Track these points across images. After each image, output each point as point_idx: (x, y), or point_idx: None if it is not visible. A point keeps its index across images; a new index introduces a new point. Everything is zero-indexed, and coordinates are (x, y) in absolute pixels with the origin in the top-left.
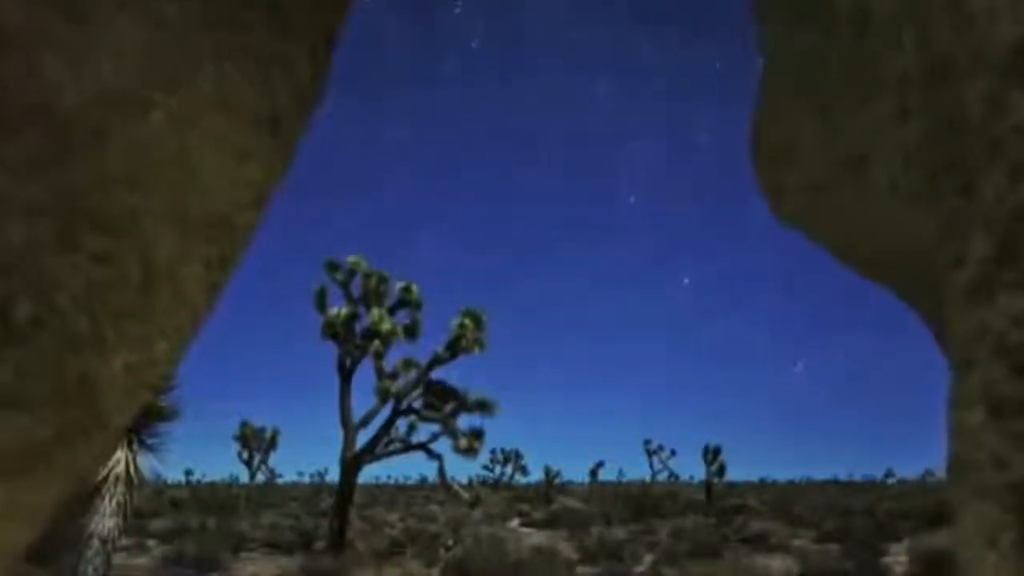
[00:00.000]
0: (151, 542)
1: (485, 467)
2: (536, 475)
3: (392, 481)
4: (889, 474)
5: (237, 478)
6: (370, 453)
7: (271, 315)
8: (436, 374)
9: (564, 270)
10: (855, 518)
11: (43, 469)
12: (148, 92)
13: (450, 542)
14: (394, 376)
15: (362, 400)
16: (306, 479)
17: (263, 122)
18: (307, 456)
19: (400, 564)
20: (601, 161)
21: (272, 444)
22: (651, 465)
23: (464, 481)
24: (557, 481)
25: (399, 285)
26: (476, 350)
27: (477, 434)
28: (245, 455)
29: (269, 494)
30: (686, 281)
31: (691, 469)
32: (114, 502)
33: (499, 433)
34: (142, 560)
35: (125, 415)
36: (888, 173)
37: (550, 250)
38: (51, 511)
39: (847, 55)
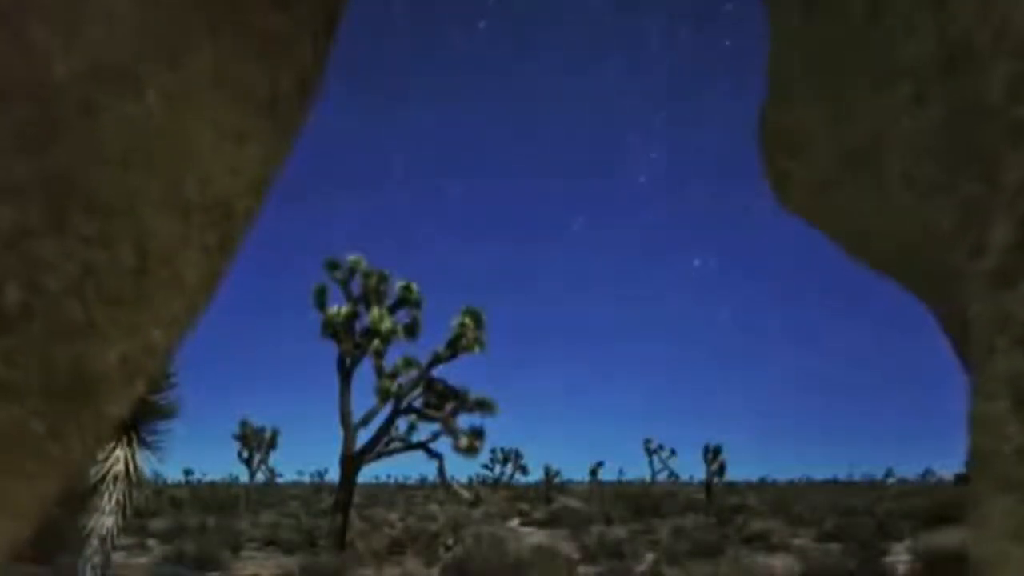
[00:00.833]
0: (151, 541)
1: (485, 466)
2: (536, 475)
3: (392, 480)
4: (889, 474)
5: (237, 477)
6: (370, 452)
7: (271, 314)
8: (436, 373)
9: (564, 269)
10: (855, 518)
11: (36, 462)
12: (142, 68)
13: (450, 542)
14: (394, 375)
15: (362, 399)
16: (306, 478)
17: (262, 104)
18: (307, 455)
19: (400, 563)
20: (601, 161)
21: (272, 443)
22: (651, 465)
23: (464, 481)
24: (557, 481)
25: (399, 284)
26: (476, 349)
27: (477, 433)
28: (245, 454)
29: (269, 494)
30: (696, 263)
31: (691, 469)
32: (113, 500)
33: (499, 432)
34: (142, 559)
35: (120, 407)
36: (902, 161)
37: (550, 249)
38: (45, 506)
39: (858, 42)
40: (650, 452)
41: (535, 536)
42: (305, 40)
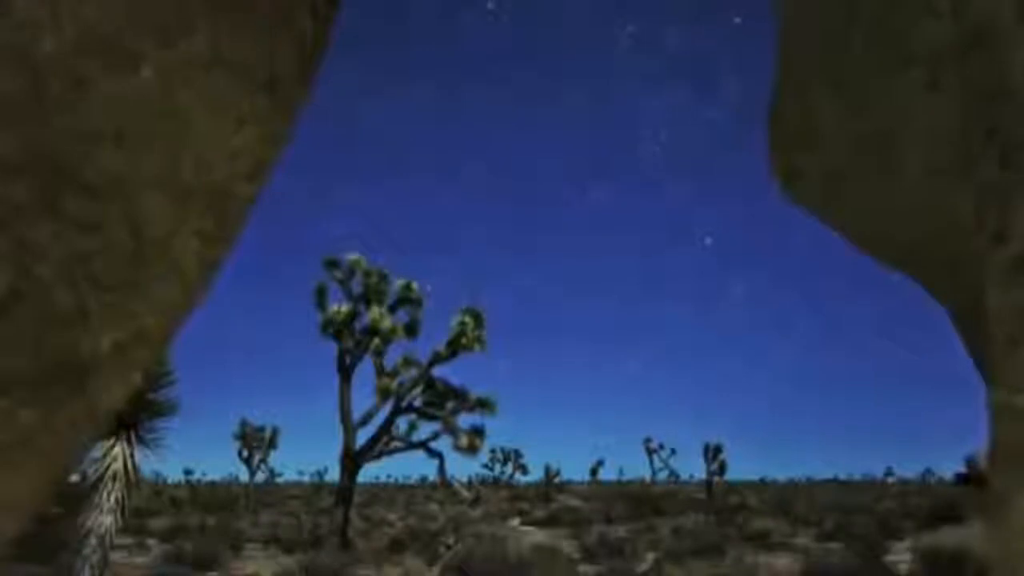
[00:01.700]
0: (151, 541)
1: (485, 466)
2: (536, 474)
3: (392, 480)
4: (889, 473)
5: (237, 477)
6: (370, 452)
7: (271, 313)
8: (436, 372)
9: (565, 269)
10: (856, 517)
11: (25, 455)
12: (136, 43)
13: (450, 541)
14: (394, 374)
15: (362, 398)
16: (306, 478)
17: (261, 83)
18: (307, 455)
19: (400, 563)
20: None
21: (272, 443)
22: (651, 464)
23: (464, 480)
24: (557, 480)
25: (399, 283)
26: (476, 348)
27: (478, 432)
28: (245, 454)
29: (269, 493)
30: (708, 240)
31: (691, 468)
32: (111, 499)
33: (499, 432)
34: (142, 559)
35: (115, 398)
36: (917, 148)
37: (550, 249)
38: (38, 501)
39: (872, 26)
40: (650, 451)
41: (535, 535)
42: (304, 14)
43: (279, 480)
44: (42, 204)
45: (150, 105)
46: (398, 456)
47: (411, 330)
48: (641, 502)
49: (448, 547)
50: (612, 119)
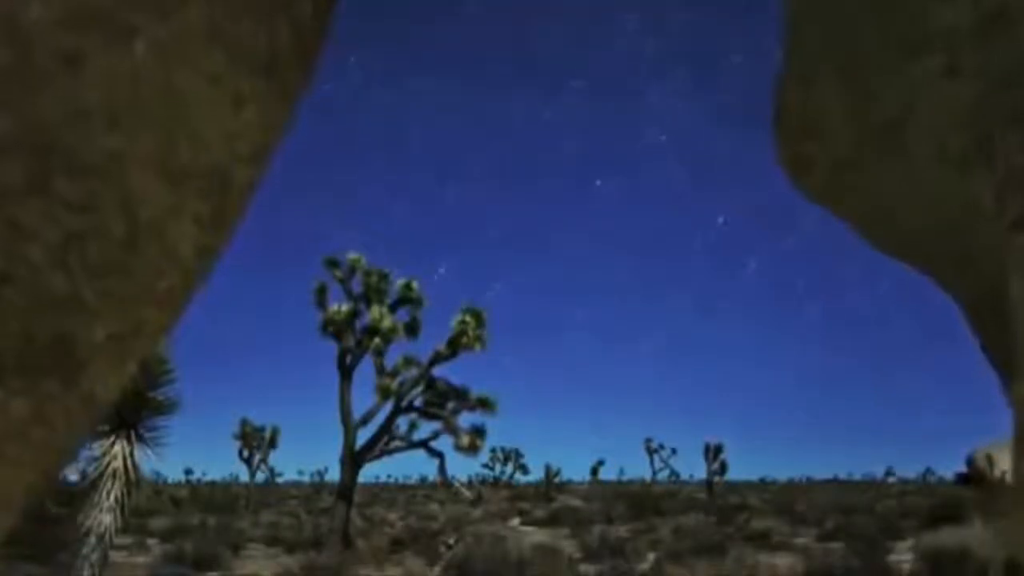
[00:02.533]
0: (151, 541)
1: (485, 466)
2: (536, 474)
3: (392, 480)
4: (889, 473)
5: (237, 477)
6: (371, 451)
7: (271, 313)
8: (437, 372)
9: (565, 268)
10: (857, 517)
11: (18, 447)
12: (130, 16)
13: (451, 541)
14: (395, 374)
15: (363, 398)
16: (306, 478)
17: (260, 64)
18: (307, 455)
19: (401, 563)
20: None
21: (272, 443)
22: (652, 464)
23: (465, 480)
24: (557, 480)
25: (400, 282)
26: (477, 347)
27: (479, 432)
28: (245, 454)
29: (269, 493)
30: (721, 220)
31: (691, 468)
32: (111, 498)
33: (499, 431)
34: (142, 559)
35: (110, 389)
36: (931, 136)
37: (550, 248)
38: (31, 496)
39: (885, 10)
40: (651, 451)
41: (536, 535)
42: None
43: (279, 480)
44: (32, 184)
45: (144, 82)
46: (398, 456)
47: (412, 329)
48: (642, 502)
49: (448, 547)
50: (615, 113)
